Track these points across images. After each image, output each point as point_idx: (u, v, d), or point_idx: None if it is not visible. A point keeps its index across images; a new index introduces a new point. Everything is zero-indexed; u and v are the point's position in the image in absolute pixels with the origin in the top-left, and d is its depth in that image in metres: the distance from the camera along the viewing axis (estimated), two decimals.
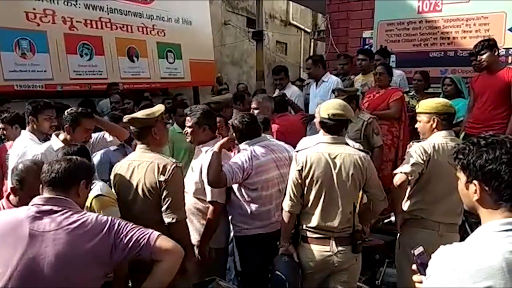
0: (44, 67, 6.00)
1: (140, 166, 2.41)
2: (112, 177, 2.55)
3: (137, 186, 2.38)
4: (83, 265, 1.65)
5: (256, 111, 3.76)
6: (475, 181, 1.25)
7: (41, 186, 1.81)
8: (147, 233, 1.76)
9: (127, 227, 1.76)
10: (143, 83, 7.63)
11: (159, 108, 2.57)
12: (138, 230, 1.77)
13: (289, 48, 13.89)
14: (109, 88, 6.14)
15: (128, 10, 7.35)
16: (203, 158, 2.83)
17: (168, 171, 2.33)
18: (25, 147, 3.05)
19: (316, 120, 2.70)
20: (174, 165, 2.37)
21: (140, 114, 2.51)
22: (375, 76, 4.52)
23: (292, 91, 4.99)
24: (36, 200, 1.75)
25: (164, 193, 2.34)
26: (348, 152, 2.49)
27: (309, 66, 5.02)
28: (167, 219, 2.34)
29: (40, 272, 1.60)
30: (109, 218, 1.78)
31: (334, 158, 2.46)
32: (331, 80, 4.90)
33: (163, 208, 2.34)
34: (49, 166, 1.81)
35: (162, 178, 2.32)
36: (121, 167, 2.50)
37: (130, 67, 7.37)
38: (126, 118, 2.55)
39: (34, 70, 5.87)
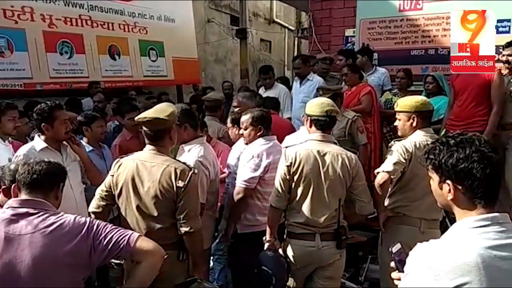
0: (23, 65, 5.86)
1: (154, 168, 2.27)
2: (115, 172, 2.37)
3: (148, 188, 2.26)
4: (61, 268, 1.62)
5: (236, 109, 3.74)
6: (448, 181, 1.26)
7: (14, 187, 1.76)
8: (127, 234, 1.75)
9: (106, 228, 1.74)
10: (125, 82, 7.53)
11: (173, 108, 2.43)
12: (117, 231, 1.75)
13: (273, 46, 13.89)
14: (90, 86, 6.02)
15: (109, 7, 7.24)
16: (185, 157, 2.78)
17: (187, 177, 2.23)
18: None
19: (304, 118, 2.71)
20: (192, 171, 2.27)
21: (160, 114, 2.31)
22: (345, 76, 4.72)
23: (279, 90, 5.02)
24: (12, 202, 1.71)
25: (182, 201, 2.24)
26: (337, 151, 2.52)
27: (299, 66, 5.08)
28: (183, 228, 2.25)
29: (17, 276, 1.57)
30: (88, 219, 1.76)
31: (323, 155, 2.49)
32: (316, 79, 5.04)
33: (180, 216, 2.25)
34: (28, 167, 1.77)
35: (180, 184, 2.21)
36: (127, 165, 2.34)
37: (111, 65, 7.26)
38: (142, 118, 2.31)
39: (12, 68, 5.73)
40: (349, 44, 6.06)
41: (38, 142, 2.86)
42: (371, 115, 4.51)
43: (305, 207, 2.48)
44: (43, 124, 2.83)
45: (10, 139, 3.33)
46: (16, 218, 1.65)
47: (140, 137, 3.96)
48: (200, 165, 2.72)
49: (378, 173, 2.66)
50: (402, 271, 1.31)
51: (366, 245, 3.48)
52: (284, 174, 2.49)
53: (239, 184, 2.85)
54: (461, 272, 1.11)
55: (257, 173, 2.82)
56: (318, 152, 2.49)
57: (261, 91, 5.21)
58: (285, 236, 2.62)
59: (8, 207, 1.70)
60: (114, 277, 3.66)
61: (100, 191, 2.41)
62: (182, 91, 8.90)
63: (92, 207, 2.42)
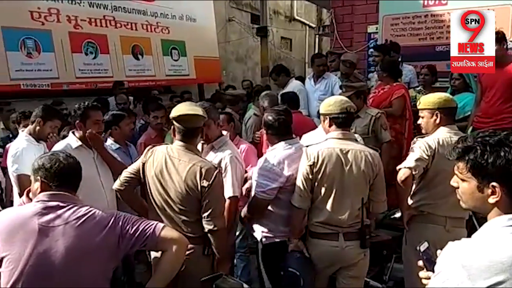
0: (49, 66, 6.01)
1: (180, 165, 2.29)
2: (146, 160, 2.40)
3: (175, 184, 2.29)
4: (93, 257, 1.69)
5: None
6: (493, 183, 1.21)
7: (42, 180, 1.80)
8: (153, 224, 1.82)
9: (132, 219, 1.81)
10: (148, 81, 7.64)
11: (199, 106, 2.44)
12: (143, 221, 1.82)
13: (294, 43, 13.86)
14: (115, 86, 6.14)
15: (132, 7, 7.36)
16: (216, 154, 2.81)
17: (212, 177, 2.24)
18: (17, 149, 3.06)
19: (321, 117, 2.67)
20: (217, 170, 2.28)
21: (195, 111, 2.32)
22: (376, 72, 4.59)
23: (292, 87, 5.01)
24: (41, 196, 1.77)
25: (206, 200, 2.26)
26: (359, 148, 2.50)
27: (324, 63, 5.15)
28: (207, 226, 2.28)
29: (51, 265, 1.63)
30: (114, 211, 1.84)
31: (346, 153, 2.46)
32: (331, 78, 5.03)
33: (204, 214, 2.28)
34: (54, 164, 1.81)
35: (205, 183, 2.22)
36: (157, 158, 2.36)
37: (135, 65, 7.38)
38: (177, 114, 2.31)
39: (40, 69, 5.89)
40: (371, 41, 6.00)
41: (73, 140, 2.93)
42: (402, 118, 4.36)
43: (328, 207, 2.46)
44: (77, 121, 2.91)
45: None
46: (47, 211, 1.72)
47: (163, 135, 4.05)
48: (236, 160, 2.77)
49: (400, 169, 2.63)
50: (431, 270, 1.29)
51: (391, 244, 3.43)
52: (307, 173, 2.46)
53: (257, 194, 2.65)
54: (496, 271, 1.09)
55: (276, 184, 2.60)
56: (341, 150, 2.46)
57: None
58: (307, 236, 2.61)
59: (38, 201, 1.76)
60: (140, 273, 3.75)
61: (127, 172, 2.46)
62: (204, 89, 8.97)
63: (117, 185, 2.48)
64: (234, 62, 11.38)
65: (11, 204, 3.25)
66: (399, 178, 2.59)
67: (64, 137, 3.22)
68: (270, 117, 2.72)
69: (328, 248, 2.48)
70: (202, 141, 2.76)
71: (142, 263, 3.80)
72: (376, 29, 5.98)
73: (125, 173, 2.47)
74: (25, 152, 2.95)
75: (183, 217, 2.31)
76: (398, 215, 3.16)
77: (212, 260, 2.40)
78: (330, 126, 2.56)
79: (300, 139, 2.93)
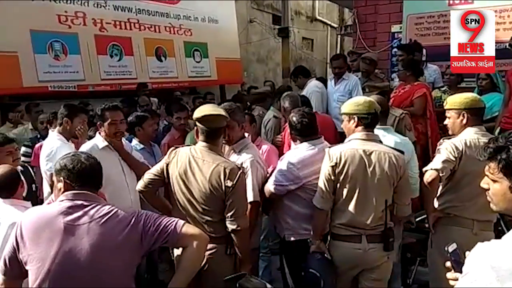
0: (76, 68, 6.18)
1: (204, 165, 2.32)
2: (169, 160, 2.43)
3: (198, 184, 2.31)
4: (117, 254, 1.72)
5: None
6: None
7: (65, 181, 1.84)
8: (174, 221, 1.85)
9: (154, 216, 1.84)
10: (171, 82, 7.75)
11: (221, 108, 2.46)
12: (164, 218, 1.85)
13: (316, 44, 13.80)
14: (139, 88, 6.25)
15: (156, 10, 7.48)
16: (237, 156, 2.82)
17: (236, 177, 2.26)
18: (51, 148, 3.14)
19: (346, 117, 2.61)
20: (240, 170, 2.31)
21: (218, 112, 2.35)
22: (397, 72, 4.50)
23: (307, 89, 4.99)
24: (66, 196, 1.81)
25: (230, 200, 2.28)
26: (383, 150, 2.46)
27: (342, 65, 5.04)
28: (231, 226, 2.30)
29: (77, 263, 1.68)
30: (136, 209, 1.87)
31: (369, 155, 2.43)
32: (352, 78, 4.96)
33: (228, 214, 2.29)
34: (77, 164, 1.85)
35: (229, 183, 2.24)
36: (181, 158, 2.39)
37: (158, 66, 7.50)
38: (200, 115, 2.34)
39: (66, 71, 6.06)
40: (395, 41, 5.92)
41: (99, 141, 3.00)
42: (423, 116, 4.30)
43: (351, 208, 2.43)
44: (98, 122, 2.98)
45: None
46: (72, 210, 1.76)
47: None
48: (257, 164, 2.78)
49: (426, 171, 2.58)
50: (458, 271, 1.27)
51: (415, 246, 3.39)
52: (329, 174, 2.44)
53: (270, 185, 2.75)
54: None
55: (289, 184, 2.67)
56: (364, 151, 2.43)
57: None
58: (328, 237, 2.59)
59: (63, 200, 1.80)
60: (163, 271, 3.81)
61: (151, 174, 2.49)
62: (225, 91, 9.03)
63: (140, 186, 2.50)
64: (255, 63, 11.41)
65: (41, 202, 3.35)
66: (425, 179, 2.55)
67: (91, 137, 3.30)
68: (294, 118, 2.77)
69: (350, 250, 2.45)
70: (224, 142, 2.77)
71: (165, 262, 3.86)
72: (400, 28, 5.90)
73: (148, 175, 2.50)
74: (59, 151, 3.02)
75: (207, 217, 2.33)
76: (422, 217, 3.11)
77: (234, 260, 2.41)
78: (356, 126, 2.52)
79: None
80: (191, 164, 2.35)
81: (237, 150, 2.85)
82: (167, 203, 2.55)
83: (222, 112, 2.36)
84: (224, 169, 2.27)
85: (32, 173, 3.58)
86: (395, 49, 5.82)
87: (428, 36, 5.67)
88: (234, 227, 2.29)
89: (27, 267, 1.72)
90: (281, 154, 3.48)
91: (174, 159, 2.42)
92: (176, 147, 2.51)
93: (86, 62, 6.30)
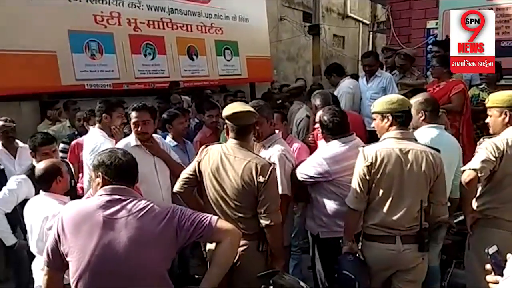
0: (111, 67, 6.33)
1: (235, 162, 2.35)
2: (201, 159, 2.48)
3: (231, 181, 2.34)
4: (153, 248, 1.76)
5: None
6: None
7: (103, 176, 1.89)
8: (208, 216, 1.88)
9: (189, 211, 1.87)
10: (202, 81, 7.83)
11: (249, 106, 2.48)
12: (199, 214, 1.88)
13: (347, 41, 13.63)
14: (171, 86, 6.35)
15: (188, 9, 7.56)
16: (266, 152, 2.85)
17: (267, 173, 2.28)
18: (96, 144, 3.24)
19: (378, 116, 2.55)
20: (272, 166, 2.33)
21: (246, 109, 2.38)
22: (432, 68, 4.39)
23: (339, 88, 4.92)
24: (104, 190, 1.86)
25: (262, 196, 2.30)
26: (420, 148, 2.41)
27: (372, 63, 4.95)
28: (264, 222, 2.32)
29: (115, 255, 1.72)
30: (171, 204, 1.91)
31: (406, 153, 2.37)
32: (385, 76, 4.86)
33: (261, 210, 2.32)
34: (114, 160, 1.91)
35: (261, 179, 2.27)
36: (213, 156, 2.43)
37: (189, 65, 7.59)
38: (229, 112, 2.38)
39: (102, 70, 6.21)
40: (431, 37, 5.76)
41: (133, 139, 3.08)
42: (461, 114, 4.19)
43: (386, 209, 2.39)
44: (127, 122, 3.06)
45: None
46: (110, 204, 1.81)
47: (218, 134, 4.14)
48: (285, 158, 2.79)
49: (464, 171, 2.51)
50: (499, 274, 1.24)
51: (451, 248, 3.30)
52: (364, 174, 2.40)
53: (298, 172, 2.81)
54: None
55: (316, 175, 2.72)
56: (400, 150, 2.38)
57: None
58: (361, 238, 2.55)
59: (101, 195, 1.85)
60: (194, 267, 3.87)
61: (185, 174, 2.55)
62: (255, 89, 9.05)
63: (177, 187, 2.57)
64: (285, 61, 11.38)
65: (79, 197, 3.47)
66: (463, 180, 2.48)
67: (126, 135, 3.38)
68: (325, 117, 2.78)
69: (384, 251, 2.41)
70: (254, 139, 2.79)
71: (197, 258, 3.93)
72: (436, 24, 5.73)
73: (183, 175, 2.56)
74: (103, 146, 3.13)
75: (239, 213, 2.35)
76: (459, 218, 3.03)
77: (266, 257, 2.43)
78: (390, 125, 2.47)
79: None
80: (222, 161, 2.38)
81: (267, 146, 2.90)
82: (200, 201, 2.59)
83: (251, 109, 2.39)
84: (256, 165, 2.30)
85: (72, 169, 3.70)
86: (430, 46, 5.66)
87: None
88: (267, 222, 2.31)
89: (67, 259, 1.78)
90: (312, 153, 3.47)
91: (206, 157, 2.46)
92: (208, 145, 2.55)
93: (121, 61, 6.45)
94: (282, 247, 2.54)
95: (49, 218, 2.39)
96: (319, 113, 2.91)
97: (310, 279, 3.15)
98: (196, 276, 3.77)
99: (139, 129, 3.04)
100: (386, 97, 2.62)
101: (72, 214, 1.83)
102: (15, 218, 2.96)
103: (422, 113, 2.88)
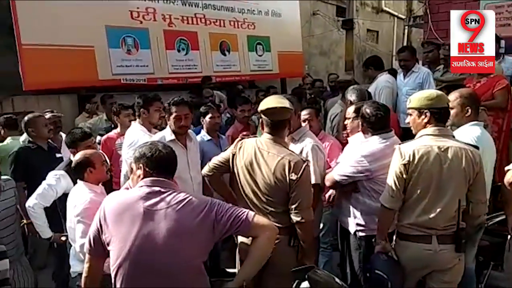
0: (146, 62, 6.46)
1: (268, 157, 2.36)
2: (235, 151, 2.50)
3: (263, 176, 2.35)
4: (191, 240, 1.79)
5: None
6: None
7: (144, 168, 1.93)
8: (245, 211, 1.90)
9: (226, 205, 1.89)
10: (234, 76, 7.88)
11: (286, 100, 2.45)
12: (236, 208, 1.90)
13: (381, 36, 13.35)
14: (203, 81, 6.42)
15: (221, 5, 7.62)
16: (298, 145, 2.89)
17: (300, 170, 2.27)
18: (133, 138, 3.32)
19: (415, 112, 2.48)
20: (305, 163, 2.32)
21: (282, 104, 2.36)
22: None
23: (376, 84, 4.82)
24: (145, 182, 1.90)
25: (294, 193, 2.30)
26: (459, 145, 2.34)
27: (407, 58, 4.81)
28: (295, 218, 2.32)
29: (154, 245, 1.76)
30: (209, 198, 1.93)
31: (445, 151, 2.31)
32: (422, 71, 4.73)
33: (292, 206, 2.31)
34: (155, 152, 1.95)
35: (293, 176, 2.26)
36: (247, 150, 2.44)
37: (222, 60, 7.65)
38: (264, 107, 2.38)
39: (137, 65, 6.36)
40: None
41: (168, 133, 3.14)
42: (505, 111, 4.04)
43: (422, 208, 2.33)
44: (166, 115, 3.13)
45: None
46: (151, 195, 1.85)
47: (250, 129, 4.16)
48: (317, 149, 2.83)
49: (508, 170, 2.42)
50: None
51: (489, 250, 3.19)
52: (400, 172, 2.34)
53: (335, 174, 2.77)
54: None
55: (356, 175, 2.68)
56: (439, 147, 2.31)
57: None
58: (395, 237, 2.51)
59: (142, 186, 1.90)
60: (224, 260, 3.91)
61: (217, 160, 2.59)
62: (286, 84, 9.01)
63: (205, 170, 2.62)
64: (317, 56, 11.26)
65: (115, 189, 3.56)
66: (506, 180, 2.40)
67: (162, 128, 3.44)
68: (368, 110, 2.73)
69: (420, 251, 2.35)
70: None
71: (227, 251, 3.97)
72: None
73: (214, 160, 2.60)
74: (140, 141, 3.19)
75: (270, 208, 2.36)
76: (498, 219, 2.92)
77: (297, 252, 2.43)
78: (428, 121, 2.39)
79: None
80: (256, 155, 2.40)
81: (296, 138, 2.92)
82: (232, 193, 2.61)
83: (285, 105, 2.37)
84: (289, 162, 2.29)
85: (108, 161, 3.81)
86: None
87: (508, 27, 5.27)
88: (299, 219, 2.30)
89: (109, 248, 1.84)
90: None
91: (241, 150, 2.48)
92: (243, 138, 2.57)
93: (155, 56, 6.57)
94: (313, 243, 2.53)
95: (77, 206, 2.50)
96: (364, 106, 2.83)
97: (339, 277, 3.12)
98: (227, 269, 3.81)
99: (181, 123, 3.12)
100: (423, 92, 2.55)
101: (114, 204, 1.89)
102: (54, 212, 3.08)
103: (467, 109, 2.77)
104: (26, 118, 3.66)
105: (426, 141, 2.36)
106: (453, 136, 2.43)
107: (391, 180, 2.39)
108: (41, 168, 3.19)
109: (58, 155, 3.68)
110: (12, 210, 2.97)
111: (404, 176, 2.34)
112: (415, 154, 2.31)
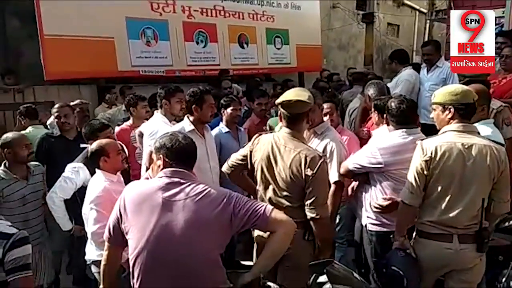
0: (165, 54, 6.50)
1: (285, 152, 2.34)
2: (253, 147, 2.51)
3: (280, 170, 2.34)
4: (208, 231, 1.80)
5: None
6: None
7: (164, 158, 1.94)
8: (263, 205, 1.88)
9: (244, 199, 1.89)
10: (251, 69, 7.87)
11: (308, 92, 2.40)
12: (254, 202, 1.89)
13: (402, 30, 13.13)
14: (221, 74, 6.43)
15: None
16: (320, 140, 2.87)
17: (316, 165, 2.24)
18: (156, 128, 3.34)
19: (439, 107, 2.41)
20: (322, 159, 2.28)
21: (300, 97, 2.31)
22: (501, 59, 4.09)
23: (398, 77, 4.78)
24: (164, 173, 1.91)
25: (310, 188, 2.27)
26: (483, 142, 2.27)
27: (431, 52, 4.72)
28: (310, 214, 2.30)
29: (172, 235, 1.77)
30: (228, 190, 1.92)
31: (469, 148, 2.25)
32: (446, 66, 4.61)
33: (307, 202, 2.29)
34: (175, 143, 1.95)
35: (309, 172, 2.24)
36: (264, 144, 2.44)
37: (240, 53, 7.64)
38: (281, 100, 2.35)
39: (156, 56, 6.40)
40: (497, 26, 5.40)
41: (187, 124, 3.15)
42: None
43: (444, 205, 2.27)
44: (194, 106, 3.11)
45: None
46: (170, 186, 1.86)
47: (267, 122, 4.15)
48: (341, 145, 2.81)
49: None
50: None
51: (509, 249, 3.13)
52: (421, 169, 2.29)
53: (350, 162, 2.74)
54: None
55: (368, 165, 2.64)
56: (463, 144, 2.25)
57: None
58: (414, 235, 2.46)
59: (162, 177, 1.90)
60: (239, 252, 3.93)
61: (235, 157, 2.60)
62: (304, 78, 8.95)
63: (225, 168, 2.64)
64: (336, 49, 11.14)
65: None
66: None
67: (179, 120, 3.46)
68: (392, 104, 2.69)
69: (439, 249, 2.30)
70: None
71: (243, 243, 3.98)
72: (503, 13, 5.38)
73: (233, 157, 2.60)
74: (160, 131, 3.22)
75: (287, 203, 2.35)
76: None
77: (313, 246, 2.42)
78: (453, 117, 2.32)
79: None
80: (273, 150, 2.39)
81: (319, 133, 2.88)
82: (252, 183, 2.62)
83: (304, 98, 2.32)
84: (306, 157, 2.27)
85: (126, 152, 3.83)
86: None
87: None
88: (314, 215, 2.29)
89: (127, 237, 1.86)
90: (362, 146, 3.40)
91: (258, 146, 2.48)
92: (260, 134, 2.56)
93: (174, 48, 6.59)
94: (330, 240, 2.52)
95: (91, 193, 2.55)
96: (390, 100, 2.79)
97: (355, 271, 3.11)
98: (242, 262, 3.83)
99: (212, 111, 3.23)
100: (449, 87, 2.46)
101: (133, 194, 1.90)
102: (74, 204, 3.11)
103: (483, 107, 2.73)
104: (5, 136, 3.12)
105: (449, 137, 2.30)
106: (478, 133, 2.36)
107: (411, 176, 2.34)
108: (63, 158, 3.22)
109: (83, 145, 3.70)
110: (40, 194, 3.10)
111: (425, 172, 2.29)
112: (437, 150, 2.26)
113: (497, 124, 3.51)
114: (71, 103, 4.03)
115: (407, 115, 2.66)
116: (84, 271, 3.57)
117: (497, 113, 3.51)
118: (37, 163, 3.20)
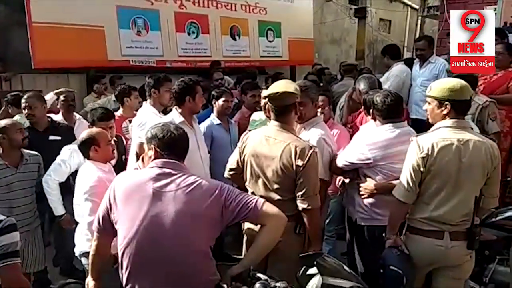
0: (156, 44, 6.41)
1: (276, 145, 2.33)
2: (242, 144, 2.52)
3: (270, 163, 2.33)
4: (199, 223, 1.78)
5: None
6: None
7: (155, 149, 1.93)
8: (254, 198, 1.88)
9: (236, 192, 1.88)
10: (243, 62, 7.81)
11: (295, 84, 2.40)
12: (245, 195, 1.89)
13: (393, 26, 13.16)
14: (212, 66, 6.37)
15: None
16: (306, 134, 2.78)
17: (306, 156, 2.24)
18: (142, 119, 3.31)
19: (435, 102, 2.36)
20: (312, 150, 2.28)
21: (285, 89, 2.31)
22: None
23: (391, 70, 4.82)
24: (156, 163, 1.89)
25: (301, 179, 2.27)
26: (478, 138, 2.26)
27: (424, 47, 4.74)
28: (301, 205, 2.30)
29: (162, 226, 1.76)
30: (219, 182, 1.91)
31: (464, 144, 2.23)
32: (439, 62, 4.67)
33: (299, 194, 2.30)
34: (167, 134, 1.94)
35: (299, 162, 2.24)
36: (253, 139, 2.44)
37: (231, 45, 7.58)
38: (268, 93, 2.35)
39: (147, 47, 6.31)
40: None
41: (177, 116, 3.11)
42: None
43: (436, 202, 2.27)
44: (187, 96, 3.07)
45: None
46: (160, 177, 1.84)
47: None
48: (324, 142, 2.72)
49: None
50: None
51: (495, 244, 3.17)
52: (418, 166, 2.26)
53: (339, 159, 2.72)
54: None
55: (356, 162, 2.64)
56: (458, 140, 2.23)
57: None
58: (404, 231, 2.45)
59: (153, 167, 1.89)
60: (227, 244, 3.93)
61: (230, 162, 2.60)
62: (296, 71, 8.93)
63: (227, 174, 2.63)
64: (327, 44, 11.13)
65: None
66: None
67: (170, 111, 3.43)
68: (378, 98, 2.67)
69: (430, 246, 2.30)
70: (296, 120, 2.71)
71: (231, 235, 3.98)
72: (495, 10, 5.40)
73: (230, 161, 2.61)
74: (150, 122, 3.18)
75: (277, 196, 2.34)
76: (507, 214, 2.90)
77: (303, 239, 2.42)
78: (448, 113, 2.28)
79: None
80: (263, 144, 2.38)
81: (307, 128, 2.83)
82: None
83: (290, 89, 2.31)
84: (295, 147, 2.27)
85: (125, 144, 3.74)
86: None
87: None
88: (305, 206, 2.29)
89: (116, 227, 1.84)
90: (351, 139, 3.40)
91: (247, 142, 2.48)
92: (250, 131, 2.57)
93: (165, 38, 6.51)
94: (320, 231, 2.52)
95: (84, 184, 2.52)
96: (375, 94, 2.77)
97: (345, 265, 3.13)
98: (231, 254, 3.83)
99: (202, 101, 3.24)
100: (447, 81, 2.37)
101: (124, 184, 1.88)
102: (67, 188, 3.10)
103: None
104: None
105: (444, 133, 2.27)
106: (471, 128, 2.36)
107: (407, 173, 2.30)
108: (31, 150, 3.12)
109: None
110: (32, 183, 3.05)
111: (422, 169, 2.25)
112: (434, 147, 2.23)
113: (482, 119, 3.56)
114: (55, 91, 3.95)
115: (393, 109, 2.64)
116: (71, 262, 3.55)
117: (483, 108, 3.57)
118: (35, 152, 3.13)
